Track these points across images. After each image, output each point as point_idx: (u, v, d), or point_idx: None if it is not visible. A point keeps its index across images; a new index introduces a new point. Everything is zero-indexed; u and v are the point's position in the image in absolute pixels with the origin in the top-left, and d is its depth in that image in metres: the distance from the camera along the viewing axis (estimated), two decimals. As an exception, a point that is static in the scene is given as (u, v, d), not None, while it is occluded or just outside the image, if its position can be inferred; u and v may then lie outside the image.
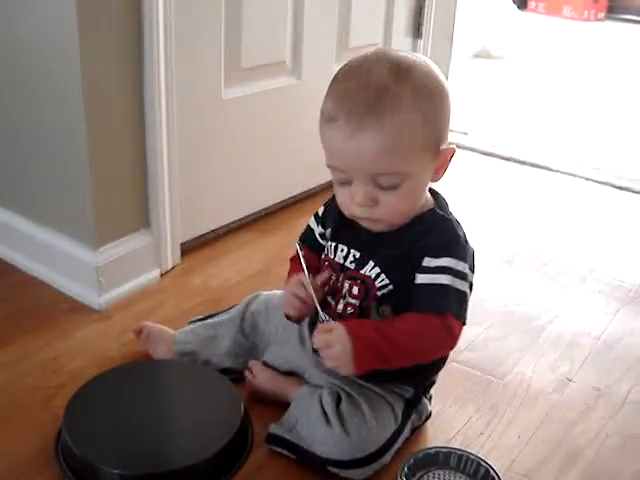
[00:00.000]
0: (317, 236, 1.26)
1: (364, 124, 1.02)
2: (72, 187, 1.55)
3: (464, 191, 2.40)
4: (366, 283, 1.15)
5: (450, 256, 1.09)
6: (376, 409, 1.16)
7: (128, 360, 1.40)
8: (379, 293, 1.14)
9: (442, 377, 1.34)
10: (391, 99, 1.02)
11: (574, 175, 2.59)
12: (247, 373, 1.30)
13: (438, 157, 1.09)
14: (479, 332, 1.58)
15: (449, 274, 1.08)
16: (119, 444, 1.17)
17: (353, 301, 1.17)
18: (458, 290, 1.09)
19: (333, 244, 1.20)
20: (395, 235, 1.13)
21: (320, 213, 1.27)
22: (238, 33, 1.77)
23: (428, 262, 1.10)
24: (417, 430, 1.27)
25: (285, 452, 1.18)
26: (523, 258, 1.92)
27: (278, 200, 2.05)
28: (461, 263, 1.09)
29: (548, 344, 1.55)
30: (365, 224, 1.13)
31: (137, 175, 1.61)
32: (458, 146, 2.73)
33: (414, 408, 1.23)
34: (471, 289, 1.13)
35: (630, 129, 3.28)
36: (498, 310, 1.67)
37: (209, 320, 1.40)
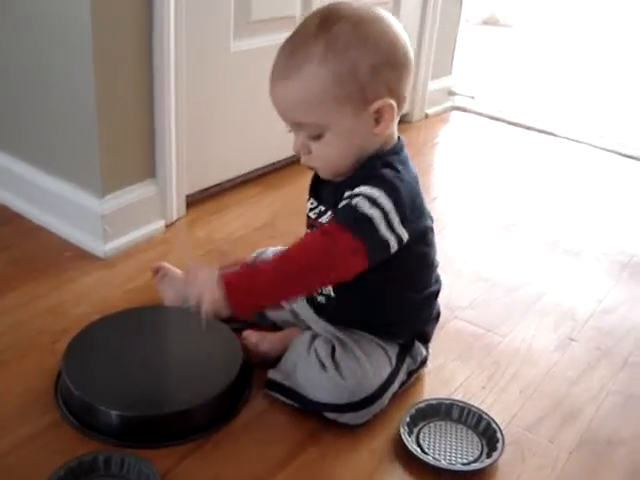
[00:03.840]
0: None
1: (278, 75, 1.08)
2: (79, 135, 1.54)
3: (469, 154, 2.40)
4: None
5: (365, 184, 1.07)
6: (369, 353, 1.17)
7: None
8: None
9: (444, 332, 1.35)
10: (304, 52, 1.05)
11: (579, 142, 2.58)
12: (247, 342, 1.28)
13: (367, 112, 1.07)
14: (482, 291, 1.58)
15: (357, 196, 1.06)
16: (118, 386, 1.17)
17: None
18: (358, 209, 1.04)
19: (308, 200, 1.22)
20: (343, 183, 1.13)
21: None
22: (248, -15, 1.76)
23: (345, 195, 1.09)
24: (417, 379, 1.28)
25: (284, 399, 1.20)
26: (524, 224, 1.92)
27: (284, 156, 2.04)
28: (375, 190, 1.05)
29: (550, 306, 1.56)
30: (317, 171, 1.17)
31: (144, 125, 1.61)
32: (465, 110, 2.78)
33: (408, 351, 1.24)
34: (396, 234, 1.06)
35: (637, 98, 3.26)
36: (499, 273, 1.67)
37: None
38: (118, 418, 1.11)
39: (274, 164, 2.03)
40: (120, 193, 1.59)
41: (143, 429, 1.12)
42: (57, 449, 1.09)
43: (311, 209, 1.22)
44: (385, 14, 1.10)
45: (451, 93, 2.77)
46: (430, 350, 1.30)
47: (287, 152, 2.02)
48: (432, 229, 1.20)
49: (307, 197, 1.24)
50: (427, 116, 2.65)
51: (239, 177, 1.93)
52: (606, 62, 3.89)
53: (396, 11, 2.32)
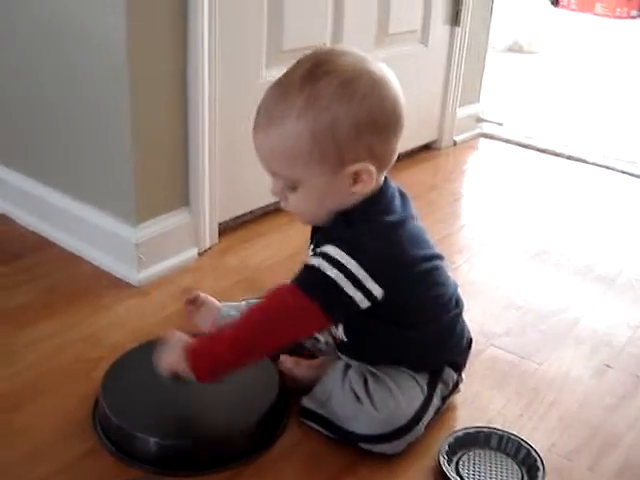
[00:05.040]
0: None
1: (259, 122, 1.07)
2: (114, 164, 1.56)
3: (498, 181, 2.40)
4: None
5: (332, 244, 1.06)
6: (400, 384, 1.17)
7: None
8: None
9: (478, 360, 1.34)
10: (285, 103, 1.03)
11: (609, 168, 2.57)
12: (282, 368, 1.29)
13: (343, 173, 1.06)
14: (515, 318, 1.57)
15: (319, 257, 1.06)
16: (156, 413, 1.18)
17: None
18: (319, 270, 1.04)
19: (309, 245, 1.22)
20: (324, 231, 1.13)
21: None
22: (280, 16, 1.78)
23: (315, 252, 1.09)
24: (453, 408, 1.28)
25: (318, 427, 1.19)
26: (556, 251, 1.90)
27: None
28: (338, 251, 1.05)
29: (586, 333, 1.54)
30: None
31: (178, 154, 1.62)
32: (493, 137, 2.78)
33: (439, 377, 1.22)
34: (363, 290, 1.06)
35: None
36: (533, 300, 1.66)
37: (253, 300, 1.40)
38: (156, 445, 1.12)
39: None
40: (154, 221, 1.60)
41: (181, 457, 1.12)
42: (95, 476, 1.09)
43: (311, 255, 1.20)
44: (379, 69, 1.07)
45: (479, 120, 2.77)
46: (464, 377, 1.29)
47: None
48: (437, 268, 1.18)
49: (308, 241, 1.23)
50: (455, 143, 2.66)
51: (270, 205, 1.93)
52: (632, 90, 3.88)
53: (424, 39, 2.34)
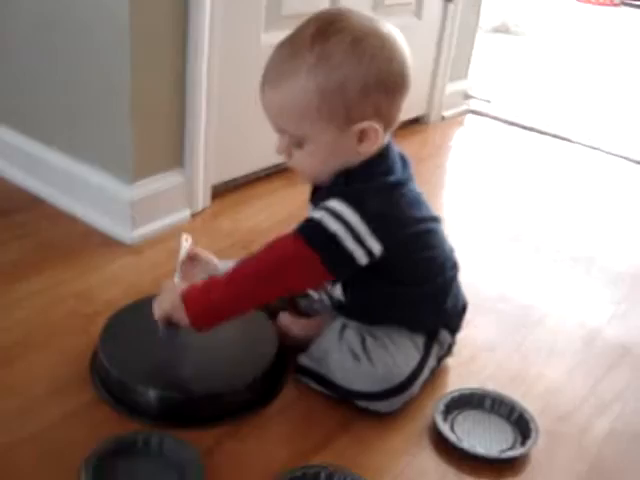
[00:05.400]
0: None
1: (267, 79, 1.08)
2: (112, 121, 1.55)
3: (483, 157, 2.41)
4: None
5: (333, 198, 1.07)
6: (398, 342, 1.18)
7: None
8: None
9: (473, 324, 1.35)
10: (295, 61, 1.04)
11: (593, 148, 2.60)
12: (280, 325, 1.30)
13: (350, 130, 1.06)
14: (502, 288, 1.60)
15: (321, 210, 1.06)
16: (155, 367, 1.18)
17: None
18: (321, 223, 1.05)
19: (309, 206, 1.22)
20: (325, 191, 1.13)
21: None
22: (280, -20, 1.77)
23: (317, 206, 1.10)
24: (446, 370, 1.30)
25: (314, 384, 1.20)
26: (532, 232, 1.90)
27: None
28: (341, 205, 1.05)
29: (571, 307, 1.57)
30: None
31: (176, 114, 1.62)
32: (480, 113, 2.79)
33: (435, 338, 1.23)
34: (363, 246, 1.06)
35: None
36: (515, 279, 1.68)
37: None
38: (155, 398, 1.12)
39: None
40: (148, 181, 1.60)
41: (180, 410, 1.13)
42: (94, 428, 1.09)
43: (313, 209, 1.21)
44: (387, 29, 1.07)
45: (467, 96, 2.78)
46: (456, 340, 1.30)
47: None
48: (434, 230, 1.19)
49: (308, 202, 1.24)
50: (443, 118, 2.67)
51: (263, 170, 1.93)
52: (618, 69, 3.92)
53: (418, 13, 2.34)
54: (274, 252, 1.09)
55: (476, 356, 1.35)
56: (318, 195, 1.16)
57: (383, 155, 1.12)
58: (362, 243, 1.06)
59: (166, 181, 1.63)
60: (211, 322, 1.09)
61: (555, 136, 2.68)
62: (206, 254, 1.36)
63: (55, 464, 1.02)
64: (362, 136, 1.07)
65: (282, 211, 1.80)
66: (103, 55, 1.51)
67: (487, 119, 2.78)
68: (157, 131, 1.59)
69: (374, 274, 1.12)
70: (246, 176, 1.91)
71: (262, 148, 1.87)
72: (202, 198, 1.73)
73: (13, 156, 1.79)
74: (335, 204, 1.06)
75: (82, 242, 1.59)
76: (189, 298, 1.07)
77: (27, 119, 1.76)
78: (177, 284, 1.15)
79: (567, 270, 1.72)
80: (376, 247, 1.07)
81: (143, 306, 1.28)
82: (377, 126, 1.07)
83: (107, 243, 1.59)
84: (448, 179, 2.27)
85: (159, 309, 1.11)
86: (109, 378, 1.15)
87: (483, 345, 1.39)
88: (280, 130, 1.11)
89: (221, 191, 1.84)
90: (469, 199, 2.07)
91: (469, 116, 2.79)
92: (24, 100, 1.75)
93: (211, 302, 1.07)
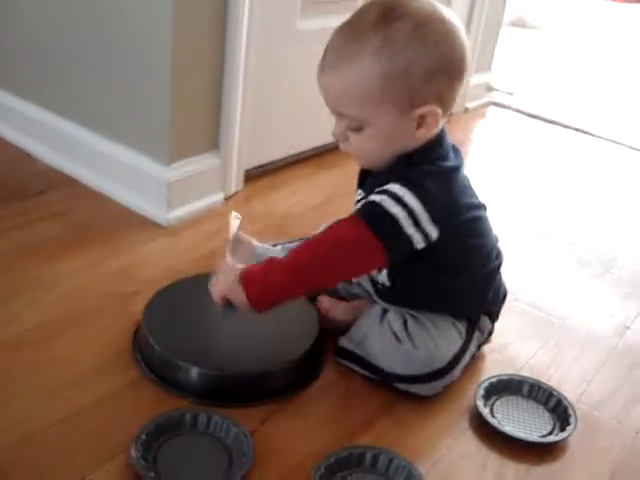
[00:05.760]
0: None
1: (328, 62, 1.07)
2: (151, 103, 1.56)
3: (504, 149, 2.42)
4: None
5: (395, 182, 1.07)
6: (440, 326, 1.19)
7: (199, 275, 1.42)
8: None
9: (506, 314, 1.36)
10: (359, 44, 1.04)
11: (615, 142, 2.61)
12: (320, 308, 1.31)
13: (410, 115, 1.07)
14: (540, 274, 1.61)
15: (382, 194, 1.07)
16: (198, 345, 1.19)
17: None
18: (382, 206, 1.05)
19: (357, 190, 1.23)
20: (382, 176, 1.13)
21: None
22: (317, -36, 1.78)
23: (376, 190, 1.10)
24: (483, 356, 1.31)
25: (354, 366, 1.22)
26: (557, 230, 1.90)
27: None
28: (402, 189, 1.05)
29: (605, 291, 1.59)
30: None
31: (213, 98, 1.62)
32: (502, 106, 2.80)
33: (476, 325, 1.25)
34: (421, 231, 1.07)
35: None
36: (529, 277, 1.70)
37: (288, 244, 1.42)
38: (200, 376, 1.13)
39: (326, 145, 2.04)
40: (185, 162, 1.61)
41: (222, 389, 1.14)
42: (138, 406, 1.10)
43: (358, 200, 1.22)
44: (448, 15, 1.08)
45: (490, 89, 2.79)
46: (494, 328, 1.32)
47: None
48: (480, 218, 1.20)
49: (355, 187, 1.24)
50: (467, 110, 2.67)
51: (293, 156, 1.94)
52: (633, 71, 3.91)
53: (447, 2, 2.34)
54: (334, 235, 1.09)
55: (510, 344, 1.36)
56: (373, 180, 1.16)
57: (439, 141, 1.13)
58: (421, 228, 1.06)
59: (202, 163, 1.64)
60: (269, 304, 1.09)
61: (577, 130, 2.69)
62: (247, 237, 1.37)
63: (101, 440, 1.03)
64: (421, 121, 1.08)
65: (314, 197, 1.81)
66: (142, 37, 1.52)
67: (509, 111, 2.79)
68: (194, 113, 1.60)
69: (423, 260, 1.13)
70: (276, 162, 1.92)
71: (294, 134, 1.91)
72: (235, 181, 1.75)
73: (44, 135, 1.80)
74: (396, 188, 1.06)
75: (118, 223, 1.60)
76: (248, 280, 1.07)
77: (59, 98, 1.77)
78: (230, 263, 1.15)
79: (594, 264, 1.73)
80: (434, 232, 1.08)
81: (185, 285, 1.31)
82: (438, 110, 1.08)
83: (143, 224, 1.60)
84: (469, 171, 2.26)
85: (217, 290, 1.10)
86: (153, 356, 1.17)
87: (517, 334, 1.40)
88: (338, 114, 1.11)
89: (253, 175, 1.85)
90: (489, 191, 2.07)
91: (491, 108, 2.79)
92: (60, 80, 1.75)
93: (270, 285, 1.07)
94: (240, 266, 1.10)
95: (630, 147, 2.57)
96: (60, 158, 1.77)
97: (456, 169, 1.14)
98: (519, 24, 4.60)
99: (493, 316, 1.29)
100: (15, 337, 1.21)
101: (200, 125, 1.63)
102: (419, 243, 1.08)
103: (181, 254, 1.50)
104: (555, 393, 1.20)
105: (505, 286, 1.31)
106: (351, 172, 1.27)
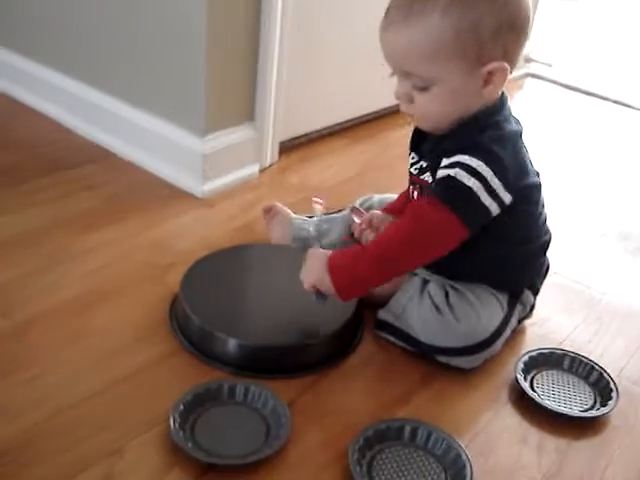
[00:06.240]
0: None
1: (394, 19, 1.04)
2: (186, 74, 1.55)
3: (543, 121, 2.38)
4: (422, 188, 1.17)
5: (463, 153, 1.06)
6: (482, 299, 1.18)
7: (235, 246, 1.42)
8: None
9: (546, 288, 1.34)
10: (427, 1, 1.01)
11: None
12: None
13: (480, 72, 1.05)
14: (580, 248, 1.59)
15: (456, 167, 1.05)
16: (237, 316, 1.19)
17: None
18: (456, 180, 1.05)
19: (410, 154, 1.22)
20: (444, 142, 1.12)
21: None
22: None
23: (444, 162, 1.09)
24: (524, 330, 1.29)
25: (393, 339, 1.21)
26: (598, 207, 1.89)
27: (371, 110, 2.04)
28: (474, 160, 1.04)
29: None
30: (414, 122, 1.15)
31: (248, 70, 1.61)
32: (540, 77, 2.75)
33: (518, 298, 1.23)
34: (497, 199, 1.07)
35: None
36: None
37: (324, 216, 1.40)
38: (238, 347, 1.13)
39: (361, 117, 2.03)
40: (220, 134, 1.60)
41: (260, 360, 1.13)
42: (176, 376, 1.10)
43: (412, 164, 1.21)
44: None
45: (527, 60, 2.74)
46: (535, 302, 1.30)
47: (375, 105, 2.03)
48: (538, 185, 1.18)
49: (408, 151, 1.23)
50: (504, 81, 2.63)
51: (328, 128, 1.93)
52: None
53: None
54: (419, 223, 1.08)
55: (550, 318, 1.34)
56: (435, 146, 1.13)
57: (503, 102, 1.12)
58: (496, 195, 1.06)
59: (237, 135, 1.63)
60: (357, 293, 1.11)
61: (616, 102, 2.63)
62: (284, 209, 1.37)
63: (139, 411, 1.03)
64: (489, 78, 1.06)
65: (348, 169, 1.80)
66: (178, 7, 1.51)
67: (547, 83, 2.73)
68: (230, 85, 1.59)
69: (484, 227, 1.10)
70: (308, 134, 1.91)
71: (329, 106, 1.89)
72: (270, 153, 1.74)
73: (85, 110, 1.80)
74: (467, 159, 1.05)
75: (153, 194, 1.60)
76: (335, 270, 1.07)
77: (100, 73, 1.76)
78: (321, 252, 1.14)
79: (635, 238, 1.70)
80: (507, 198, 1.07)
81: (221, 257, 1.31)
82: (506, 66, 1.06)
83: (178, 195, 1.60)
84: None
85: (307, 280, 1.11)
86: (191, 327, 1.17)
87: (557, 308, 1.38)
88: (404, 73, 1.07)
89: (288, 147, 1.84)
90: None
91: (529, 80, 2.75)
92: (93, 51, 1.75)
93: (357, 274, 1.07)
94: (327, 253, 1.10)
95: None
96: (95, 130, 1.77)
97: (521, 132, 1.14)
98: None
99: (536, 290, 1.27)
100: (53, 308, 1.22)
101: (235, 97, 1.61)
102: (495, 211, 1.07)
103: (216, 226, 1.50)
104: (597, 367, 1.18)
105: (549, 260, 1.29)
106: (385, 144, 1.26)
